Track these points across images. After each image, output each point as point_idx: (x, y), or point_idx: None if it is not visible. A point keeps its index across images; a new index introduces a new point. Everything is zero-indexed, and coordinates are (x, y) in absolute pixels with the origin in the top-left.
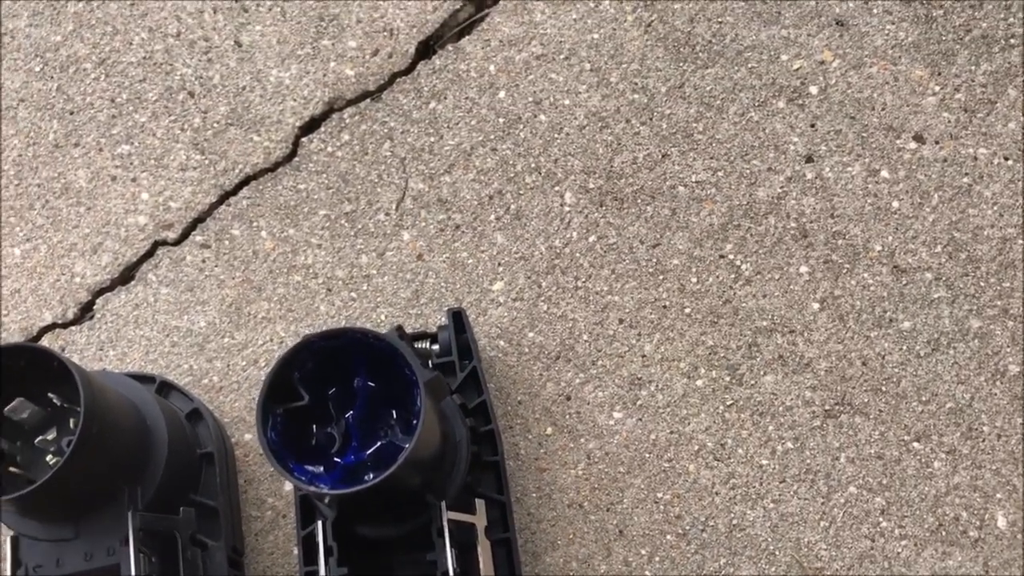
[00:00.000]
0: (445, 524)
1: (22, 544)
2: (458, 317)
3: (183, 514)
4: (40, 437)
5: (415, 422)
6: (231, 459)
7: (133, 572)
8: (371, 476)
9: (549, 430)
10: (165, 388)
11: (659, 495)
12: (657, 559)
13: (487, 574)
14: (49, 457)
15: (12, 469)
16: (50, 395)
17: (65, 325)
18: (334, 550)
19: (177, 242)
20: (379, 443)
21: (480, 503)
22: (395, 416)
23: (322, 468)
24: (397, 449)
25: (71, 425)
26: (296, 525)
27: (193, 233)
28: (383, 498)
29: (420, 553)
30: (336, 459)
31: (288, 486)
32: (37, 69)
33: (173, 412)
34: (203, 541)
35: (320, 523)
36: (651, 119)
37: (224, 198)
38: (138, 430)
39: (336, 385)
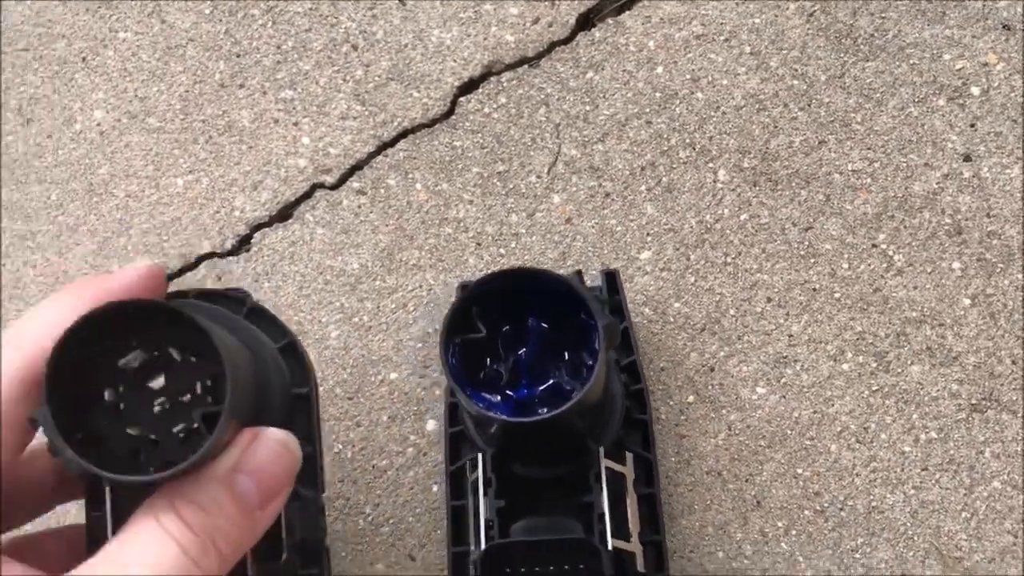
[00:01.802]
0: (603, 469)
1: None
2: (612, 278)
3: None
4: (149, 383)
5: (591, 363)
6: (317, 399)
7: None
8: (545, 411)
9: (691, 398)
10: (255, 314)
11: (799, 471)
12: (794, 532)
13: (634, 524)
14: (157, 407)
15: (130, 430)
16: (170, 350)
17: (223, 255)
18: (493, 482)
19: (335, 186)
20: (549, 382)
21: (629, 457)
22: (566, 358)
23: (497, 398)
24: (565, 391)
25: (188, 377)
26: (444, 461)
27: (350, 179)
28: (548, 436)
29: (571, 497)
30: (508, 392)
31: (431, 425)
32: (207, 11)
33: (274, 352)
34: (297, 491)
35: (480, 456)
36: (809, 105)
37: (382, 149)
38: (257, 388)
39: (510, 324)
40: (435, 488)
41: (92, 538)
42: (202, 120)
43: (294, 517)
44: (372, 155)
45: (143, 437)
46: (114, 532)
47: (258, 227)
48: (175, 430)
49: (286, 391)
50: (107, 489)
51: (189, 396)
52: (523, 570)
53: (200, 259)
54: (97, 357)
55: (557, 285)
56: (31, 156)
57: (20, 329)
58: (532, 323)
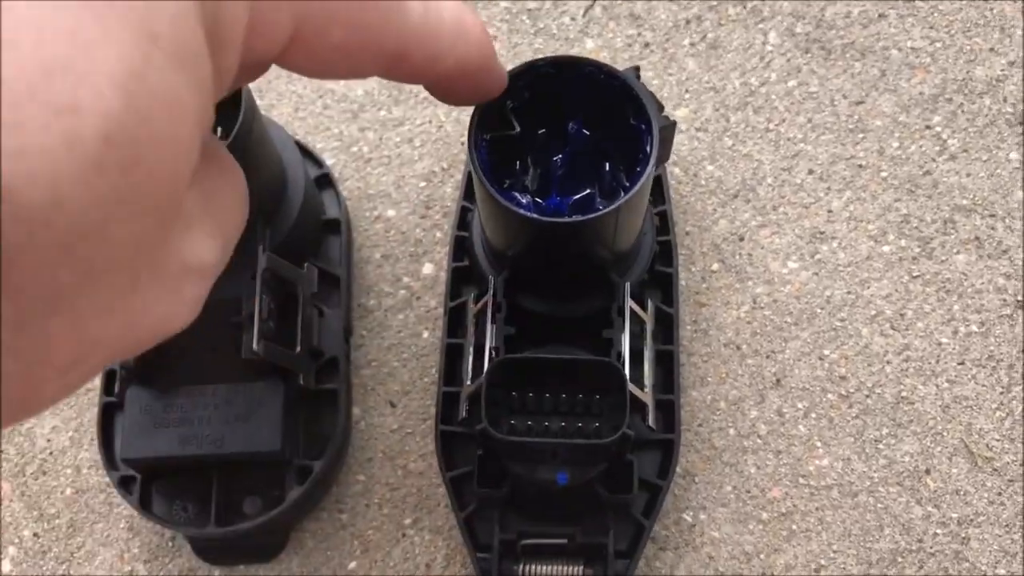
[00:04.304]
0: (627, 305)
1: None
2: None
3: (307, 269)
4: None
5: (638, 171)
6: (351, 235)
7: (257, 308)
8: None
9: (715, 266)
10: (299, 146)
11: (825, 352)
12: (814, 415)
13: (649, 377)
14: None
15: None
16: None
17: None
18: (503, 307)
19: None
20: (585, 191)
21: (650, 306)
22: (605, 172)
23: (525, 200)
24: (598, 209)
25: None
26: (445, 295)
27: None
28: (573, 260)
29: (588, 334)
30: (537, 200)
31: (427, 268)
32: None
33: (307, 171)
34: (321, 307)
35: (491, 279)
36: None
37: None
38: (280, 168)
39: (547, 125)
40: (425, 334)
41: None
42: None
43: (312, 321)
44: None
45: None
46: None
47: None
48: None
49: (315, 211)
50: None
51: None
52: (531, 395)
53: None
54: None
55: (609, 79)
56: None
57: None
58: (572, 127)
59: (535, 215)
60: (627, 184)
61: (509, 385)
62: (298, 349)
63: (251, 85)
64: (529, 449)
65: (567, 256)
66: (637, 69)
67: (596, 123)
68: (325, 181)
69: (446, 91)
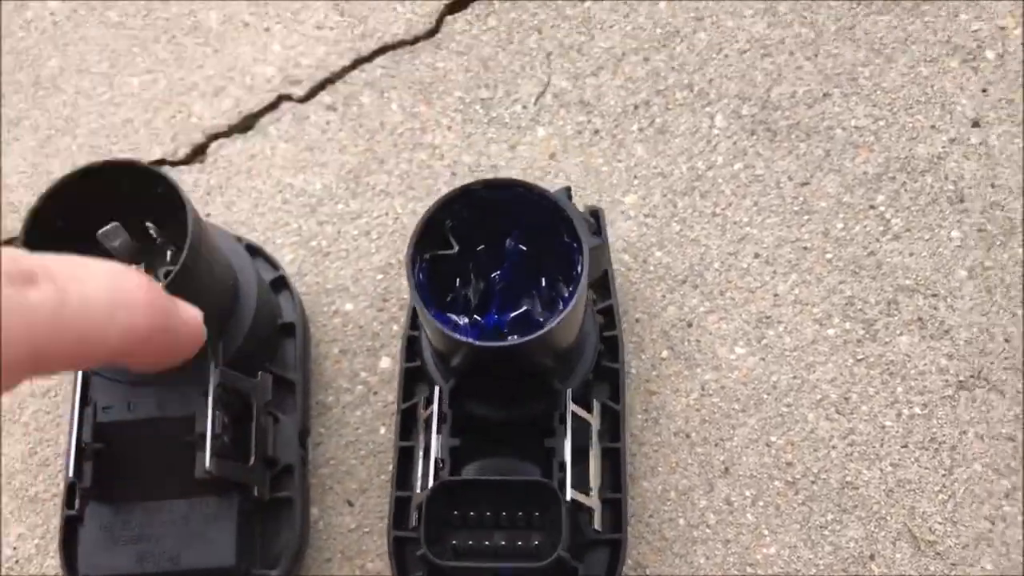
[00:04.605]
0: (569, 412)
1: (93, 381)
2: (595, 216)
3: (261, 379)
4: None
5: (570, 290)
6: (308, 337)
7: (209, 427)
8: (515, 338)
9: (665, 353)
10: (251, 249)
11: (772, 439)
12: (761, 503)
13: (594, 479)
14: None
15: None
16: (147, 224)
17: (175, 163)
18: (448, 418)
19: (303, 99)
20: (521, 309)
21: (596, 406)
22: (542, 286)
23: (464, 321)
24: (536, 322)
25: (166, 259)
26: (397, 397)
27: (321, 93)
28: (513, 370)
29: (530, 442)
30: (476, 318)
31: (384, 362)
32: None
33: (259, 275)
34: (275, 414)
35: (437, 390)
36: (816, 55)
37: (358, 63)
38: (230, 281)
39: (486, 243)
40: (382, 430)
41: None
42: (166, 18)
43: (267, 431)
44: (347, 69)
45: None
46: None
47: (215, 136)
48: None
49: (270, 317)
50: None
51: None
52: (472, 514)
53: (150, 165)
54: (76, 224)
55: (541, 200)
56: None
57: None
58: (510, 244)
59: (471, 340)
60: (565, 295)
61: (451, 504)
62: (252, 461)
63: (210, 182)
64: (470, 573)
65: (507, 369)
66: (568, 190)
67: (532, 239)
68: (281, 284)
69: (134, 363)
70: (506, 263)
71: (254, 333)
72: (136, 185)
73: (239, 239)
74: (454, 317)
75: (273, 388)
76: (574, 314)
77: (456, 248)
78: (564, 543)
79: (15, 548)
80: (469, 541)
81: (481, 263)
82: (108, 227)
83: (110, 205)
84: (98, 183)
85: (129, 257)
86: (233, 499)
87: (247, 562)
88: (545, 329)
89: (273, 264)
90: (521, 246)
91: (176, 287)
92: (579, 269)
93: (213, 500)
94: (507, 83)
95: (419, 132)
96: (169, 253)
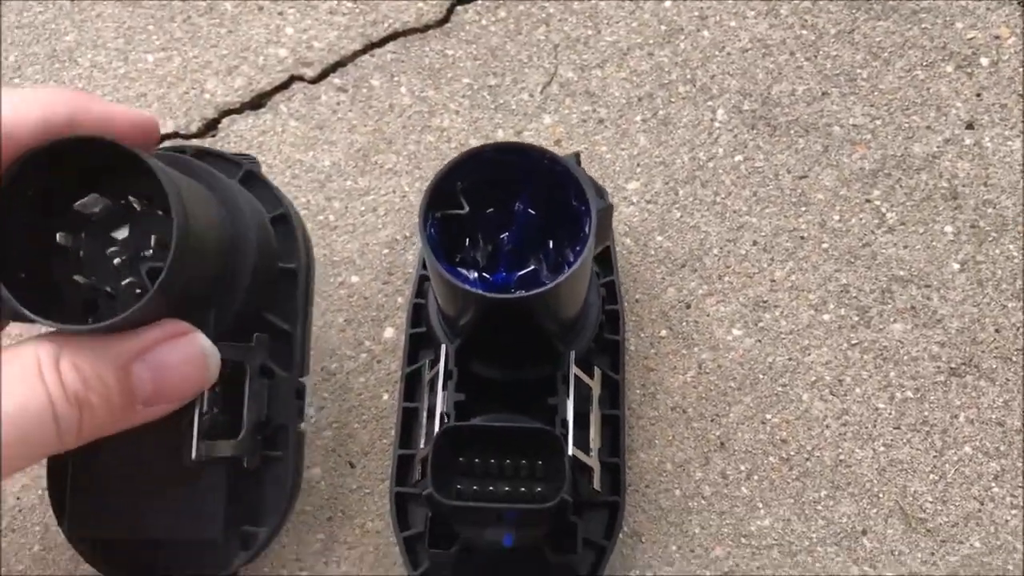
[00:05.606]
0: (571, 373)
1: None
2: (576, 158)
3: (256, 342)
4: (111, 233)
5: (577, 250)
6: (311, 276)
7: (197, 413)
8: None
9: (663, 332)
10: (252, 179)
11: (767, 416)
12: (756, 477)
13: (595, 441)
14: (116, 260)
15: (77, 278)
16: (130, 198)
17: (187, 136)
18: (454, 375)
19: (314, 80)
20: (529, 267)
21: (597, 372)
22: (549, 248)
23: (473, 275)
24: (543, 283)
25: (152, 222)
26: (402, 361)
27: (332, 75)
28: (519, 330)
29: (534, 400)
30: (485, 276)
31: (388, 332)
32: None
33: (261, 218)
34: (271, 369)
35: (444, 348)
36: (816, 56)
37: (369, 48)
38: (227, 249)
39: (495, 205)
40: (385, 396)
41: None
42: None
43: (261, 394)
44: (358, 53)
45: (100, 290)
46: None
47: (227, 112)
48: (124, 283)
49: (271, 263)
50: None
51: (151, 251)
52: (477, 460)
53: (162, 139)
54: (55, 194)
55: (551, 164)
56: None
57: None
58: (519, 207)
59: (480, 291)
60: (571, 260)
61: (457, 451)
62: (241, 434)
63: None
64: (475, 513)
65: (513, 327)
66: (578, 155)
67: (541, 203)
68: (282, 220)
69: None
70: (514, 226)
71: (252, 289)
72: (116, 157)
73: (237, 164)
74: (464, 271)
75: (270, 341)
76: (582, 271)
77: (466, 209)
78: (568, 487)
79: (19, 499)
80: (474, 487)
81: (490, 225)
82: (86, 199)
83: (91, 176)
84: (74, 158)
85: (110, 222)
86: (221, 471)
87: (235, 525)
88: (554, 282)
89: (278, 197)
90: (530, 210)
91: (165, 289)
92: (587, 230)
93: (201, 472)
94: (515, 72)
95: (427, 115)
96: (150, 223)
